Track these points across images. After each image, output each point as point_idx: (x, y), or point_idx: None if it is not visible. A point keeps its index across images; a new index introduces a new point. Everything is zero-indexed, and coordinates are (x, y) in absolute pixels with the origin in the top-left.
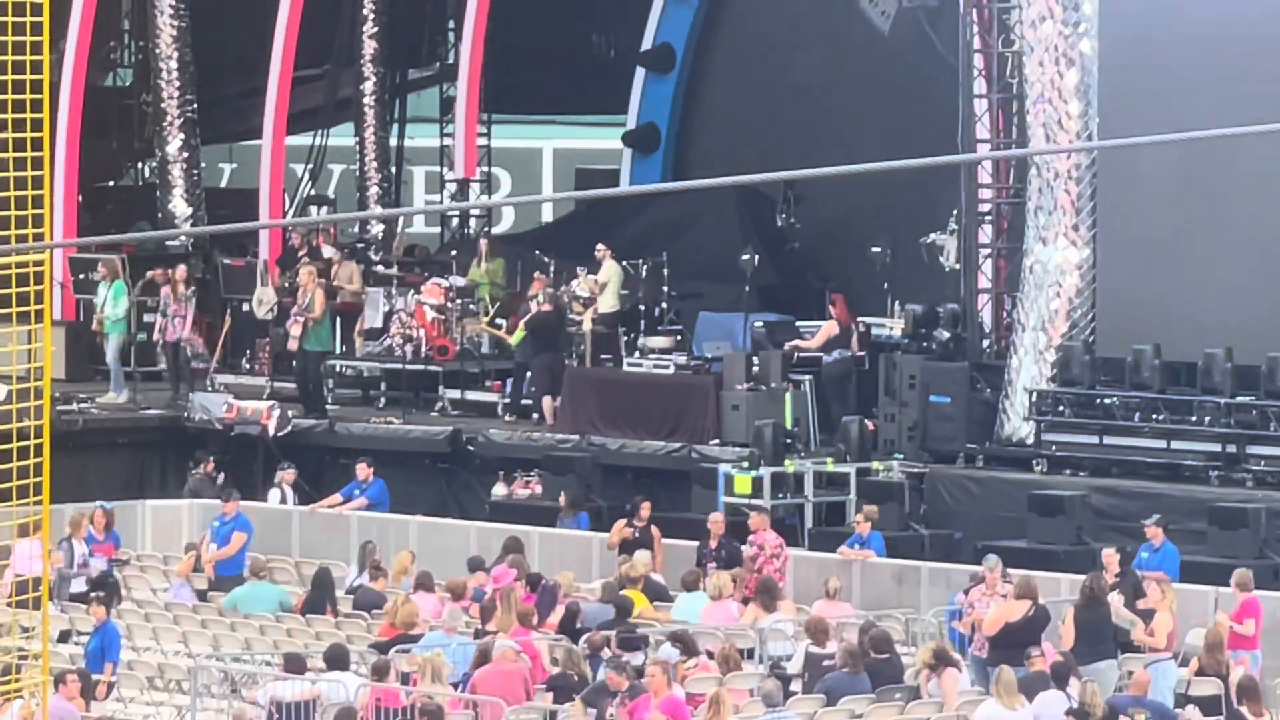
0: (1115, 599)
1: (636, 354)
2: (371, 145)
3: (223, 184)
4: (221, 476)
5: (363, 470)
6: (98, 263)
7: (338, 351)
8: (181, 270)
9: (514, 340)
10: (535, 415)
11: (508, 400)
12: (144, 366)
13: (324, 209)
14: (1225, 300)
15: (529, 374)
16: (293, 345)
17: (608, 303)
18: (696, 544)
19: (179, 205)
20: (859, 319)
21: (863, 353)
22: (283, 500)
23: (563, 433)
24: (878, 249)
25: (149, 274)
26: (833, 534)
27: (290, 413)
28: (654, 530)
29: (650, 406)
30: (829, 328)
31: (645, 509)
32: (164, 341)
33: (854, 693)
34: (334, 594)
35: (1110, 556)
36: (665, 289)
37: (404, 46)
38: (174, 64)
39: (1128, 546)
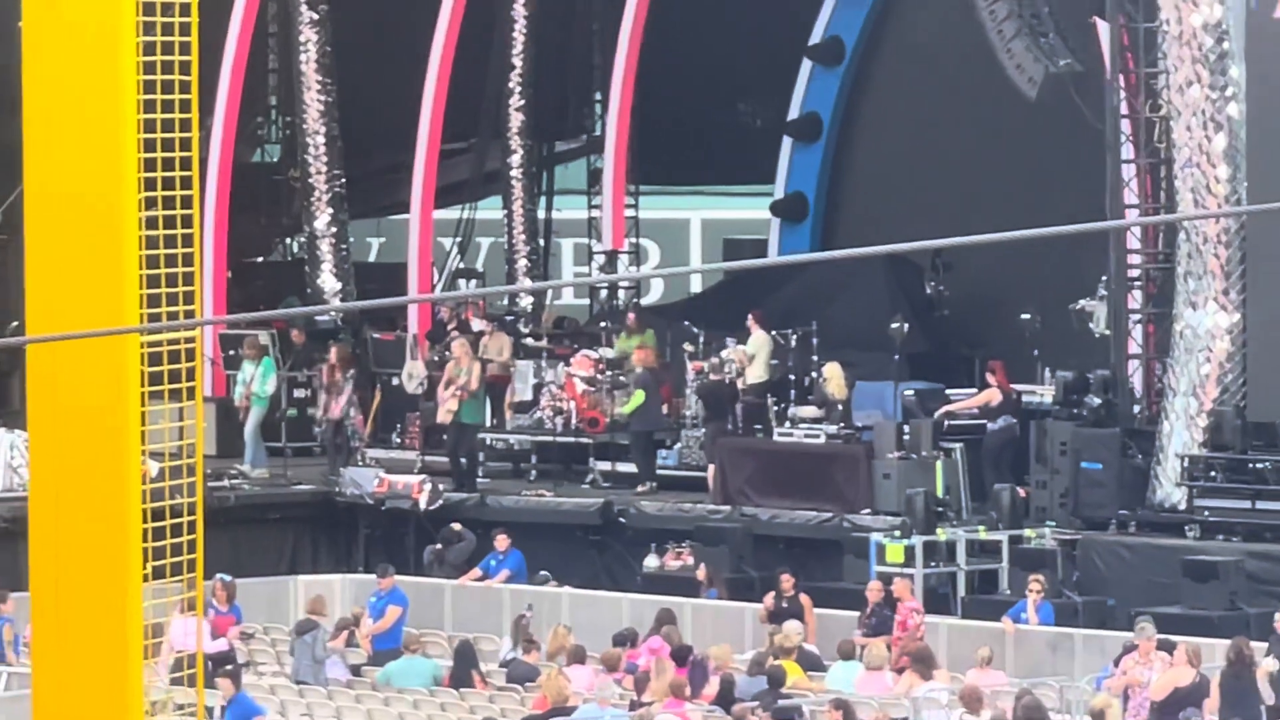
0: (1270, 663)
1: (787, 424)
2: (519, 218)
3: (371, 258)
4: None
5: (502, 541)
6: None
7: (488, 424)
8: (334, 353)
9: (629, 409)
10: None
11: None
12: (294, 442)
13: (473, 282)
14: None
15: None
16: (446, 418)
17: (757, 373)
18: (848, 613)
19: (328, 280)
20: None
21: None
22: None
23: (715, 503)
24: (1027, 316)
25: (321, 364)
26: (985, 602)
27: (441, 486)
28: (804, 599)
29: (801, 476)
30: (990, 394)
31: (785, 580)
32: (326, 419)
33: None
34: (478, 665)
35: None
36: (814, 358)
37: (550, 119)
38: (321, 139)
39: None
